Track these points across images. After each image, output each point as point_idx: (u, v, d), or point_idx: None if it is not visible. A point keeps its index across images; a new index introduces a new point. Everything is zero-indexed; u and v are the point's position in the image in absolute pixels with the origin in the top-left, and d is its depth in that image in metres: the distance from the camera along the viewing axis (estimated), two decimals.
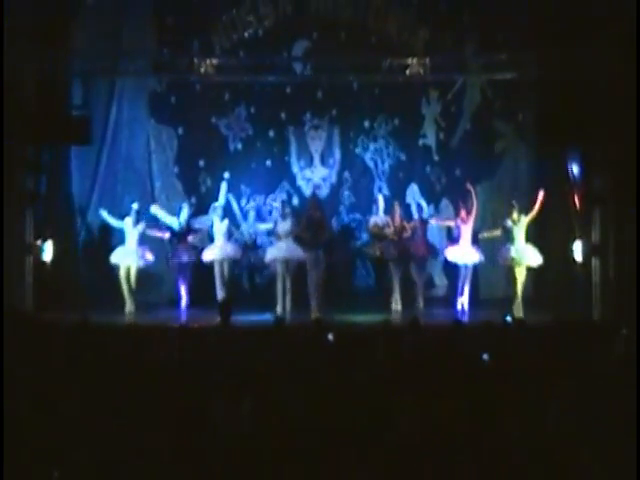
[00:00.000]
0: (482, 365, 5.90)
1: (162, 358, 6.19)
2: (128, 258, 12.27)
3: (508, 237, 12.23)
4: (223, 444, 4.33)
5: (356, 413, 4.60)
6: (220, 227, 12.53)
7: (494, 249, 12.79)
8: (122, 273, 12.25)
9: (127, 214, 12.39)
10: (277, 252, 12.31)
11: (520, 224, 12.05)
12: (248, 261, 13.39)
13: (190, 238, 12.66)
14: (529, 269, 12.23)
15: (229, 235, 12.82)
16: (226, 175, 13.52)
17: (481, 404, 4.78)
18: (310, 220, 12.24)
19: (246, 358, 6.22)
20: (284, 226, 12.31)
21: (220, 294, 12.32)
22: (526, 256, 12.08)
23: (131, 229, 12.31)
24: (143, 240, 12.41)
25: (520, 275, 12.07)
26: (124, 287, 12.25)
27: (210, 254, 12.47)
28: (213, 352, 6.53)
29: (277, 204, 13.31)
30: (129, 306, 12.21)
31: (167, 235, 12.63)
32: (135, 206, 12.42)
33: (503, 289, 13.13)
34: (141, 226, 12.34)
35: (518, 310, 11.79)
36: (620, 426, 4.56)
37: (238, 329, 8.17)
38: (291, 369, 5.65)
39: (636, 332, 6.94)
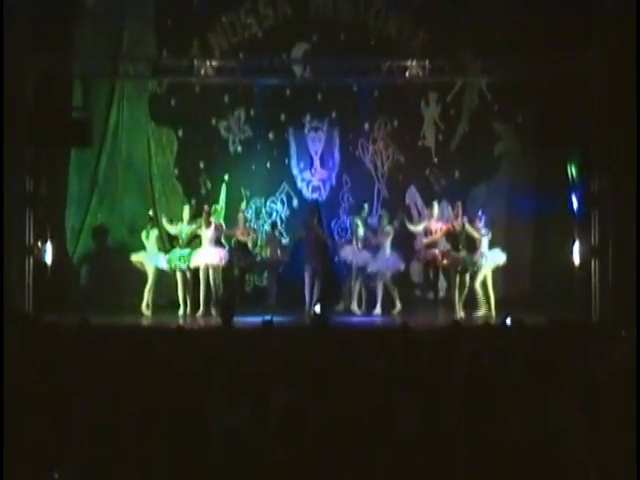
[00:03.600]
0: (481, 365, 5.90)
1: (162, 359, 6.19)
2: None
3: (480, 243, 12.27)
4: (222, 445, 4.33)
5: (355, 414, 4.61)
6: (207, 233, 12.41)
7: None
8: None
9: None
10: None
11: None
12: (240, 263, 13.23)
13: None
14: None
15: (216, 241, 12.61)
16: (226, 177, 13.56)
17: (480, 404, 4.79)
18: (310, 237, 12.52)
19: (245, 359, 6.22)
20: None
21: (203, 298, 12.35)
22: (493, 258, 12.24)
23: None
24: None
25: (489, 278, 12.22)
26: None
27: (196, 260, 12.42)
28: (213, 353, 6.53)
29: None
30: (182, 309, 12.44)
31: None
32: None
33: (502, 289, 13.14)
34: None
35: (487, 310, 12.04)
36: (620, 427, 4.57)
37: (238, 330, 8.18)
38: (290, 370, 5.66)
39: (635, 333, 6.94)
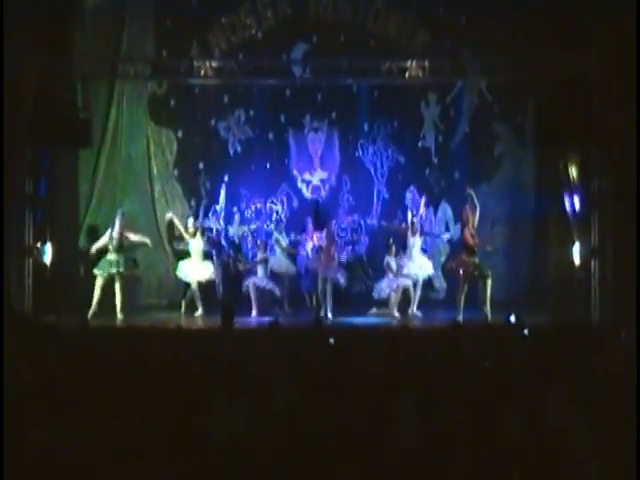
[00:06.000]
0: (481, 366, 5.91)
1: (161, 360, 6.19)
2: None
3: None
4: (221, 446, 4.33)
5: (355, 415, 4.60)
6: (195, 246, 12.45)
7: None
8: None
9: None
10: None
11: None
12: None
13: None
14: None
15: (205, 254, 12.64)
16: (226, 178, 13.56)
17: (480, 405, 4.78)
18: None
19: (245, 360, 6.22)
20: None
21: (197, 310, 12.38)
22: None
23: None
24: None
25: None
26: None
27: (184, 274, 12.50)
28: (213, 354, 6.53)
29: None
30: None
31: None
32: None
33: (503, 290, 13.14)
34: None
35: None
36: (620, 428, 4.56)
37: (238, 332, 8.18)
38: (290, 371, 5.65)
39: (635, 334, 6.94)
